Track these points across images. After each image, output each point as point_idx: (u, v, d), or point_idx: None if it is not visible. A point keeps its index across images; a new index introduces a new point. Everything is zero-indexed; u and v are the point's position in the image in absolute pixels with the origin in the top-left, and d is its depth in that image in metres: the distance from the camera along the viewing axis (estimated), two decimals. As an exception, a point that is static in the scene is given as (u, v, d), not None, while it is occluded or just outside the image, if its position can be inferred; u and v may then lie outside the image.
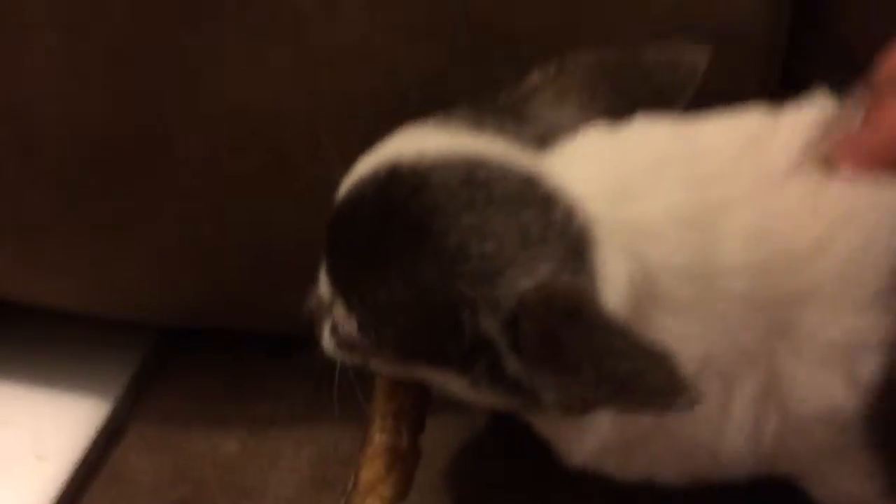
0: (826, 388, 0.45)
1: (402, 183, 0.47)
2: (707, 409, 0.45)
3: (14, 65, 0.62)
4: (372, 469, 0.54)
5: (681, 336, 0.43)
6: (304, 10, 0.60)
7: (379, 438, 0.55)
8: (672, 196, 0.44)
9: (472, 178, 0.45)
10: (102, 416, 0.73)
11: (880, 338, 0.44)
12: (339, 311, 0.49)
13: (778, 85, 0.66)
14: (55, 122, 0.62)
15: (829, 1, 0.65)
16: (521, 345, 0.43)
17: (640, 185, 0.45)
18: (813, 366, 0.45)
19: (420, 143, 0.48)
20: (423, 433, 0.55)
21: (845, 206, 0.44)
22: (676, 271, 0.44)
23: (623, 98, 0.48)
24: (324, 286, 0.51)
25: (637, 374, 0.40)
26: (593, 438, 0.48)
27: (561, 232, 0.44)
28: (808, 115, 0.47)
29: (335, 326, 0.52)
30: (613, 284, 0.43)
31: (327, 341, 0.53)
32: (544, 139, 0.47)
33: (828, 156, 0.45)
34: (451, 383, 0.49)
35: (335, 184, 0.51)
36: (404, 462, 0.55)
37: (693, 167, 0.45)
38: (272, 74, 0.61)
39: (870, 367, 0.44)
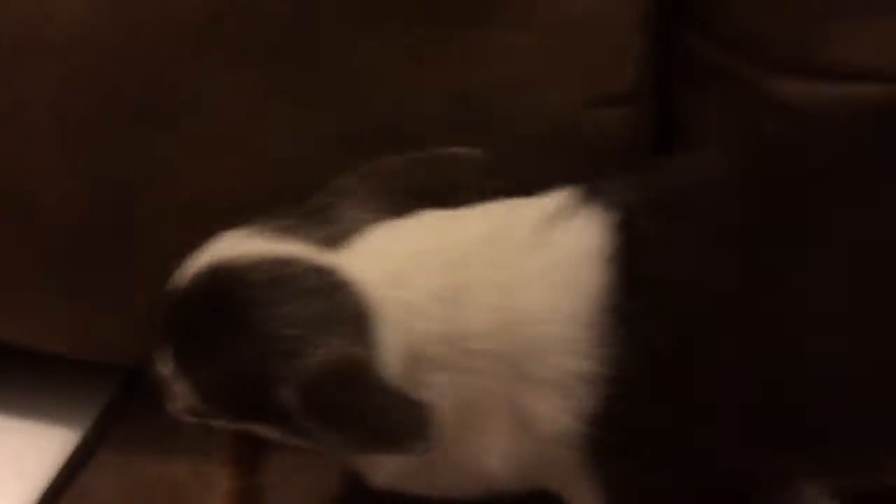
0: (558, 417, 0.56)
1: (225, 281, 0.58)
2: (470, 440, 0.58)
3: (20, 158, 0.75)
4: None
5: (443, 388, 0.56)
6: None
7: (229, 485, 0.69)
8: (431, 280, 0.57)
9: (280, 275, 0.57)
10: (73, 442, 0.84)
11: (595, 374, 0.55)
12: (180, 385, 0.60)
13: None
14: (54, 208, 0.75)
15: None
16: (311, 407, 0.53)
17: (409, 272, 0.57)
18: (546, 400, 0.56)
19: (241, 246, 0.59)
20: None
21: (560, 277, 0.56)
22: (438, 338, 0.56)
23: (415, 196, 0.61)
24: (166, 365, 0.61)
25: (396, 423, 0.53)
26: (390, 465, 0.60)
27: (349, 315, 0.55)
28: (544, 205, 0.59)
29: (179, 395, 0.61)
30: (389, 353, 0.55)
31: (174, 406, 0.62)
32: (343, 237, 0.59)
33: None
34: (276, 435, 0.59)
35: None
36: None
37: (447, 255, 0.58)
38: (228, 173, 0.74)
39: (588, 400, 0.55)
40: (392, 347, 0.55)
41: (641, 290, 0.55)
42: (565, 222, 0.57)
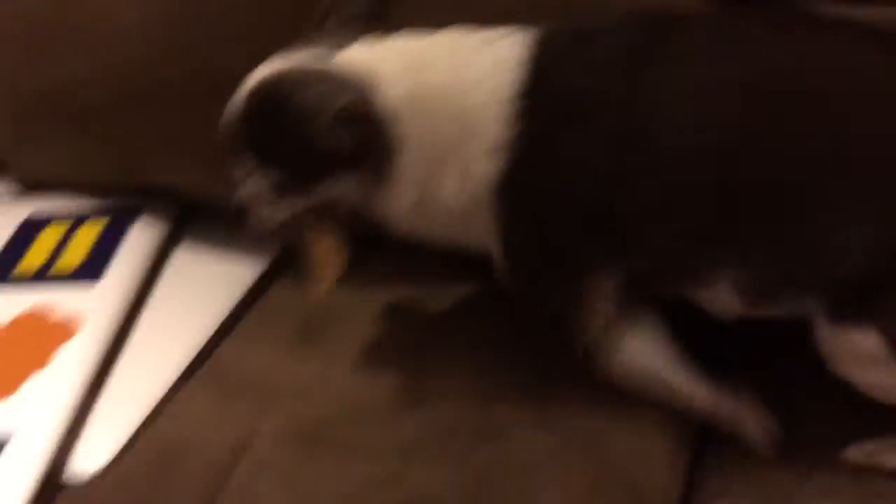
0: (481, 168, 0.77)
1: (277, 88, 0.77)
2: (433, 179, 0.77)
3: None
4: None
5: (414, 135, 0.76)
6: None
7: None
8: (410, 63, 0.78)
9: (307, 72, 0.78)
10: (261, 268, 1.11)
11: (508, 138, 0.75)
12: (259, 182, 0.79)
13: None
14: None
15: None
16: (347, 134, 0.75)
17: (397, 60, 0.78)
18: (479, 151, 0.76)
19: (280, 64, 0.79)
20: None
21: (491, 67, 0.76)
22: (413, 98, 0.76)
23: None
24: (246, 169, 0.80)
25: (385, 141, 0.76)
26: (398, 201, 0.80)
27: (359, 84, 0.76)
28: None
29: (258, 191, 0.80)
30: (385, 104, 0.76)
31: (256, 204, 0.81)
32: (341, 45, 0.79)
33: None
34: (341, 190, 0.79)
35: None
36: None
37: (425, 52, 0.79)
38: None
39: (503, 155, 0.75)
40: (385, 101, 0.76)
41: (543, 85, 0.75)
42: (505, 38, 0.78)
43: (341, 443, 0.87)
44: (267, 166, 0.79)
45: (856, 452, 0.83)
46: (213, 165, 1.03)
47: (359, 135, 0.76)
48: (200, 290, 1.08)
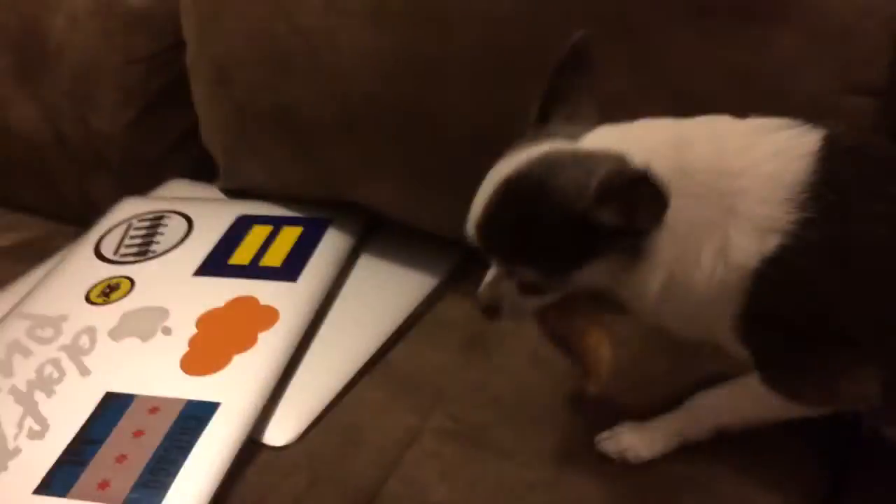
0: (747, 248, 0.76)
1: (522, 180, 0.78)
2: (688, 254, 0.77)
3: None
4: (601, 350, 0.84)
5: (676, 207, 0.74)
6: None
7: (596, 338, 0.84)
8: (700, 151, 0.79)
9: (553, 160, 0.78)
10: (433, 284, 1.24)
11: (781, 226, 0.76)
12: (518, 269, 0.81)
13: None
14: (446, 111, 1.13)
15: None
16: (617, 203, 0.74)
17: (681, 144, 0.79)
18: (744, 235, 0.77)
19: (517, 157, 0.79)
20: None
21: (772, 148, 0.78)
22: (676, 172, 0.76)
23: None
24: (499, 265, 0.83)
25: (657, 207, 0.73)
26: (649, 283, 0.79)
27: (604, 159, 0.77)
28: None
29: (519, 285, 0.82)
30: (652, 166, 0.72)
31: (512, 307, 0.84)
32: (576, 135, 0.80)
33: None
34: (597, 275, 0.79)
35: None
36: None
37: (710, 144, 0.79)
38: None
39: (770, 243, 0.76)
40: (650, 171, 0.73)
41: (834, 179, 0.77)
42: (786, 129, 0.81)
43: (498, 446, 0.99)
44: (523, 261, 0.82)
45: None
46: (401, 186, 1.22)
47: (625, 205, 0.75)
48: (380, 296, 1.22)
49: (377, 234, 1.32)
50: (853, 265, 0.78)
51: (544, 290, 0.84)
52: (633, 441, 0.93)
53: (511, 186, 0.80)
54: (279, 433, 1.03)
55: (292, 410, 1.06)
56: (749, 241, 0.78)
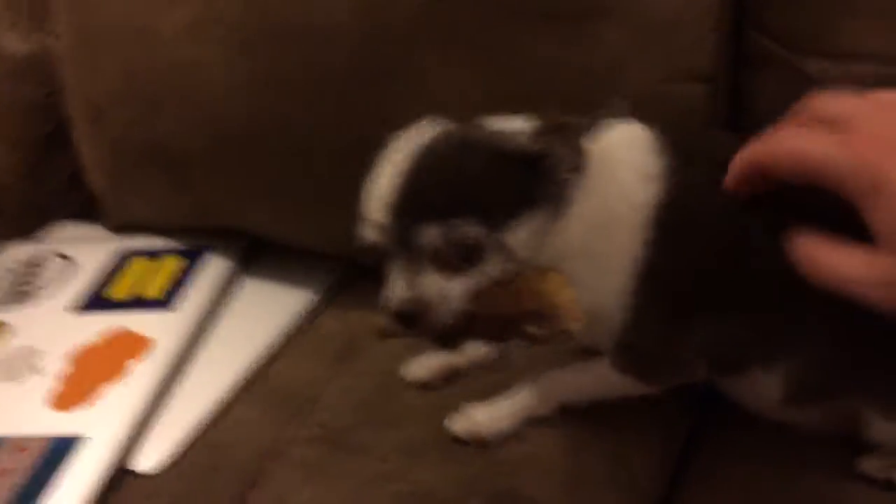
0: (642, 189, 0.82)
1: (449, 138, 0.79)
2: (599, 202, 0.80)
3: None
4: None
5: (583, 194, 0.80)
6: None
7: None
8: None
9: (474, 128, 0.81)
10: (314, 299, 1.26)
11: (658, 171, 0.81)
12: (459, 227, 0.75)
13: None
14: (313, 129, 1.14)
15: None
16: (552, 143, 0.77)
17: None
18: (635, 179, 0.82)
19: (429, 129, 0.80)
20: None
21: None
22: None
23: None
24: (433, 237, 0.75)
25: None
26: (574, 233, 0.80)
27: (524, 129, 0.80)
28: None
29: (458, 250, 0.75)
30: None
31: (440, 297, 0.77)
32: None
33: None
34: (529, 229, 0.77)
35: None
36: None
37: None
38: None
39: (654, 186, 0.81)
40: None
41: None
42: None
43: (358, 446, 1.00)
44: (461, 213, 0.76)
45: (870, 465, 0.89)
46: (277, 209, 1.23)
47: (556, 144, 0.77)
48: (260, 316, 1.23)
49: (259, 255, 1.34)
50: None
51: (480, 254, 0.77)
52: (482, 419, 0.94)
53: (434, 146, 0.79)
54: (149, 460, 1.04)
55: (164, 437, 1.07)
56: (640, 184, 0.82)
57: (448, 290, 0.78)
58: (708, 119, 1.01)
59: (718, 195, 0.82)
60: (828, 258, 0.68)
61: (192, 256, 1.31)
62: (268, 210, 1.24)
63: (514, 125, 0.82)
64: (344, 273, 1.29)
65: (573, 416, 0.95)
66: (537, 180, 0.78)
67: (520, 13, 1.03)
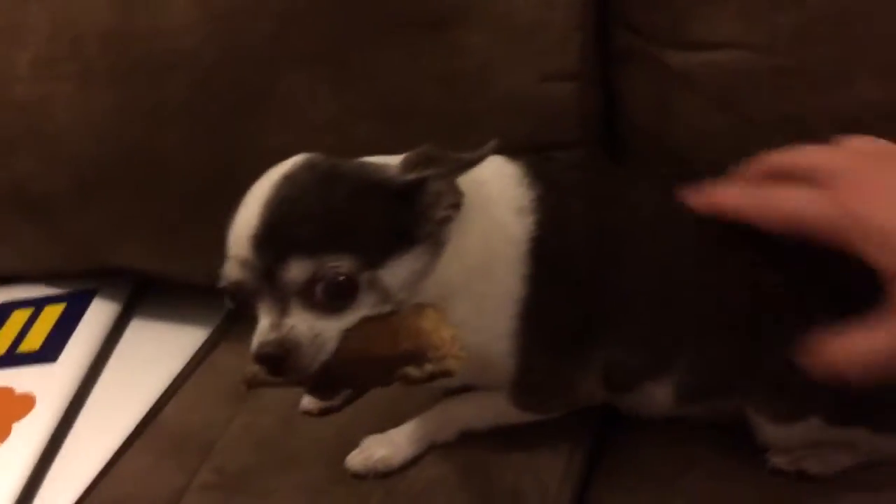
0: (515, 223, 0.81)
1: (313, 168, 0.74)
2: (478, 238, 0.78)
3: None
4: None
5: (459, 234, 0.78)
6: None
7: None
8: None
9: (340, 161, 0.76)
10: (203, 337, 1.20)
11: (529, 204, 0.81)
12: (329, 261, 0.69)
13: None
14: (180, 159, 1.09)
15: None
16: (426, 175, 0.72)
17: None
18: (509, 214, 0.81)
19: (290, 162, 0.75)
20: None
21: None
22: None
23: None
24: (302, 271, 0.69)
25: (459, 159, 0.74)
26: (455, 268, 0.77)
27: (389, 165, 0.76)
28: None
29: (328, 285, 0.69)
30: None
31: (312, 337, 0.70)
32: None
33: None
34: (407, 265, 0.72)
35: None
36: None
37: None
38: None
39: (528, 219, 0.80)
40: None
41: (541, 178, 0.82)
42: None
43: (260, 488, 0.96)
44: (334, 249, 0.70)
45: (779, 459, 0.88)
46: (152, 243, 1.18)
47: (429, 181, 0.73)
48: (150, 357, 1.18)
49: (148, 293, 1.29)
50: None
51: (353, 293, 0.71)
52: (380, 452, 0.91)
53: (299, 177, 0.74)
54: (39, 523, 0.98)
55: (55, 493, 1.01)
56: (513, 218, 0.80)
57: (318, 331, 0.71)
58: (582, 116, 1.01)
59: (588, 221, 0.83)
60: (849, 347, 0.67)
61: (75, 301, 1.25)
62: (142, 246, 1.19)
63: (386, 160, 0.79)
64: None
65: (475, 436, 0.93)
66: (412, 216, 0.74)
67: (373, 24, 1.01)
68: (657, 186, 0.87)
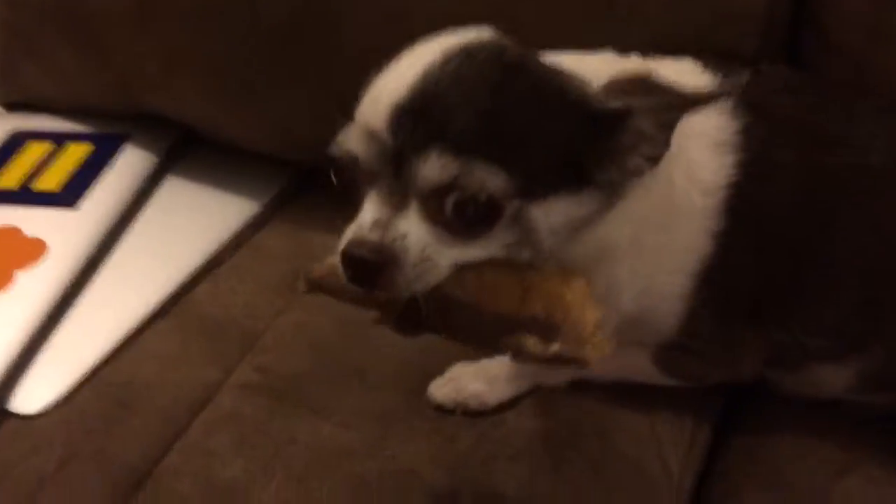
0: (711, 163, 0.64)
1: (488, 48, 0.57)
2: (662, 199, 0.62)
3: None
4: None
5: None
6: None
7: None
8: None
9: (525, 51, 0.59)
10: (255, 210, 1.01)
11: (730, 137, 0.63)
12: (479, 170, 0.54)
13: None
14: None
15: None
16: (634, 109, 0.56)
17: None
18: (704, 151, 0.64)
19: (462, 36, 0.58)
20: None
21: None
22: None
23: None
24: (440, 169, 0.54)
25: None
26: (622, 229, 0.62)
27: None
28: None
29: (464, 201, 0.54)
30: None
31: (421, 259, 0.55)
32: None
33: None
34: (557, 212, 0.57)
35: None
36: None
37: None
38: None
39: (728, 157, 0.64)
40: None
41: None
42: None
43: (311, 403, 0.78)
44: (490, 156, 0.55)
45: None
46: (211, 90, 0.99)
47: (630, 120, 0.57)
48: (186, 225, 1.00)
49: (189, 152, 1.09)
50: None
51: (493, 219, 0.56)
52: (473, 386, 0.75)
53: (475, 57, 0.57)
54: (31, 398, 0.81)
55: (54, 369, 0.84)
56: (709, 156, 0.64)
57: (432, 252, 0.56)
58: (768, 19, 0.83)
59: (802, 168, 0.65)
60: None
61: (103, 144, 1.05)
62: (198, 92, 1.02)
63: (590, 65, 0.61)
64: (293, 182, 1.06)
65: (588, 388, 0.74)
66: (597, 153, 0.58)
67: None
68: (888, 125, 0.68)
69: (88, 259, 0.93)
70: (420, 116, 0.55)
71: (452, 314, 0.57)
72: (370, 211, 0.56)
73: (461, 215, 0.55)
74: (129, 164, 1.03)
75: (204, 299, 0.92)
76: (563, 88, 0.58)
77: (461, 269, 0.56)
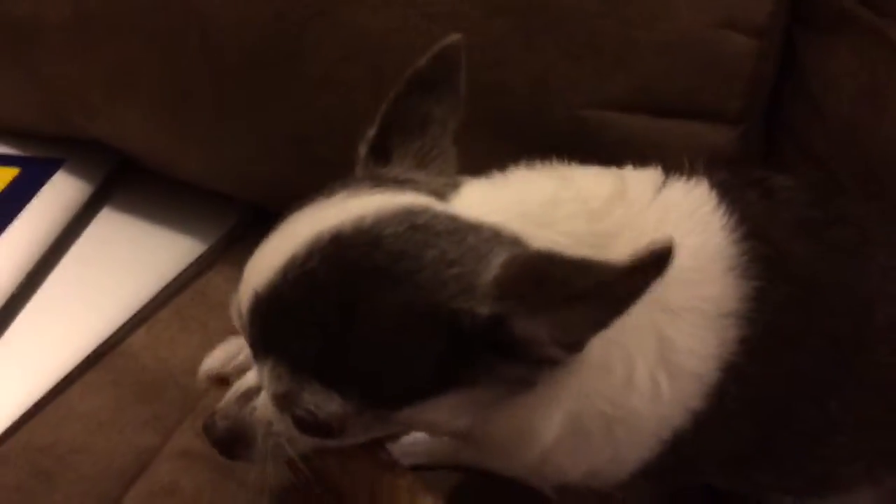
0: (701, 348, 0.56)
1: (355, 243, 0.52)
2: (617, 369, 0.55)
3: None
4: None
5: None
6: None
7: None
8: (576, 227, 0.55)
9: (415, 224, 0.52)
10: (200, 251, 0.94)
11: (735, 307, 0.56)
12: (310, 393, 0.52)
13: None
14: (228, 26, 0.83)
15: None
16: (514, 300, 0.50)
17: (550, 216, 0.55)
18: (689, 332, 0.56)
19: (346, 207, 0.53)
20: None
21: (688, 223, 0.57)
22: None
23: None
24: (275, 380, 0.53)
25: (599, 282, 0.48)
26: (547, 424, 0.56)
27: (496, 241, 0.52)
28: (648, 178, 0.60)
29: (300, 416, 0.53)
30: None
31: (272, 442, 0.56)
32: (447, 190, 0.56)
33: None
34: (447, 413, 0.55)
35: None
36: None
37: (583, 207, 0.56)
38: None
39: (729, 333, 0.56)
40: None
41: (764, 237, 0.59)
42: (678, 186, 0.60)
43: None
44: (327, 380, 0.53)
45: None
46: (155, 114, 0.92)
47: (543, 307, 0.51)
48: (121, 265, 0.93)
49: (128, 179, 1.02)
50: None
51: (341, 429, 0.55)
52: None
53: (334, 250, 0.53)
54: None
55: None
56: (698, 339, 0.56)
57: (285, 441, 0.57)
58: (754, 82, 0.82)
59: (814, 337, 0.59)
60: None
61: (33, 170, 0.98)
62: (141, 117, 0.95)
63: (508, 203, 0.56)
64: (244, 219, 0.99)
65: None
66: (481, 360, 0.53)
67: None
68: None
69: (7, 300, 0.85)
70: (268, 319, 0.54)
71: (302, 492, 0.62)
72: (250, 377, 0.58)
73: (301, 425, 0.55)
74: (59, 192, 0.96)
75: (140, 350, 0.85)
76: (432, 303, 0.51)
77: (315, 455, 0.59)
